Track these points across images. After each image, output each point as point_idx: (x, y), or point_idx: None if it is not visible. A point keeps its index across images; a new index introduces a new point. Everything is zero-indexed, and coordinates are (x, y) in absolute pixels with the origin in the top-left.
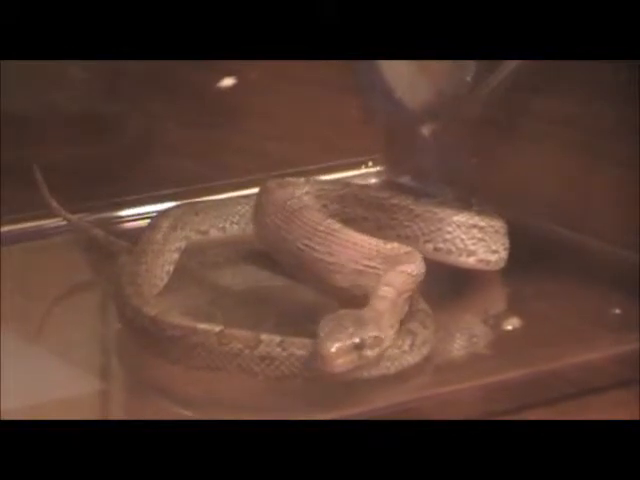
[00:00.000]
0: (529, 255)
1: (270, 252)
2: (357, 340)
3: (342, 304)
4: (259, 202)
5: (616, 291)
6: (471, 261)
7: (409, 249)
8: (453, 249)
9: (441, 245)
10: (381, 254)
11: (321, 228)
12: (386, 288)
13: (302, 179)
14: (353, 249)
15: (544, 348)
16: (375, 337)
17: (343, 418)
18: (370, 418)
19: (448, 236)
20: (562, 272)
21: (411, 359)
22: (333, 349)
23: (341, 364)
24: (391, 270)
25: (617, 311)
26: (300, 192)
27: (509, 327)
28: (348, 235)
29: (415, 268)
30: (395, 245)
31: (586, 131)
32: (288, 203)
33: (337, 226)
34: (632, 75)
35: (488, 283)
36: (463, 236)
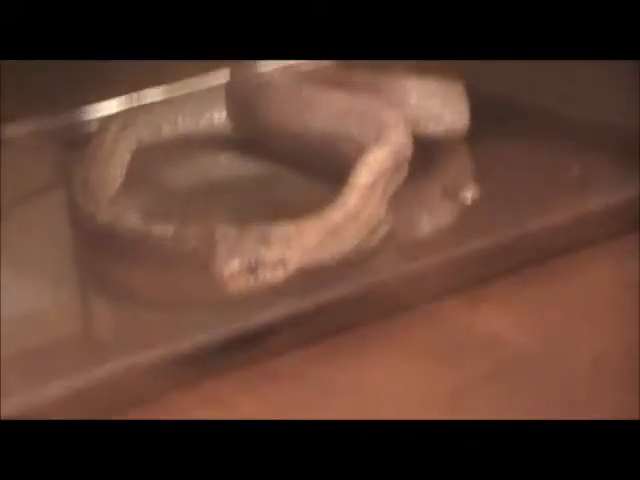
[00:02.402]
0: (489, 121)
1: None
2: (252, 262)
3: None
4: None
5: (575, 152)
6: (440, 129)
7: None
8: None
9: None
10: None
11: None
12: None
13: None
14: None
15: (506, 214)
16: (277, 261)
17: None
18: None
19: (415, 104)
20: (515, 136)
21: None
22: (225, 271)
23: (234, 285)
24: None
25: (576, 172)
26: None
27: (468, 196)
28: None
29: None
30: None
31: None
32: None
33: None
34: None
35: (451, 152)
36: (430, 104)
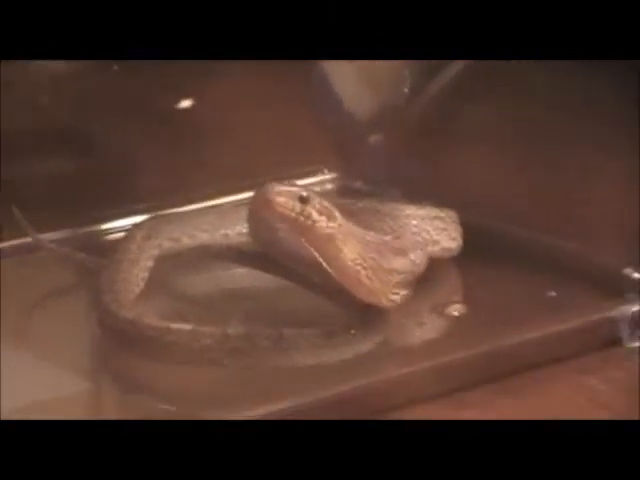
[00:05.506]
0: (468, 248)
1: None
2: (304, 193)
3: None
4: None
5: (549, 276)
6: (437, 250)
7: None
8: (421, 241)
9: None
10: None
11: (369, 238)
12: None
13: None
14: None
15: (487, 329)
16: (326, 207)
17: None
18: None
19: (415, 229)
20: (499, 261)
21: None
22: (276, 189)
23: (281, 203)
24: None
25: (552, 293)
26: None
27: (455, 313)
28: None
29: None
30: None
31: (517, 132)
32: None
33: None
34: (562, 79)
35: (441, 272)
36: (429, 228)
